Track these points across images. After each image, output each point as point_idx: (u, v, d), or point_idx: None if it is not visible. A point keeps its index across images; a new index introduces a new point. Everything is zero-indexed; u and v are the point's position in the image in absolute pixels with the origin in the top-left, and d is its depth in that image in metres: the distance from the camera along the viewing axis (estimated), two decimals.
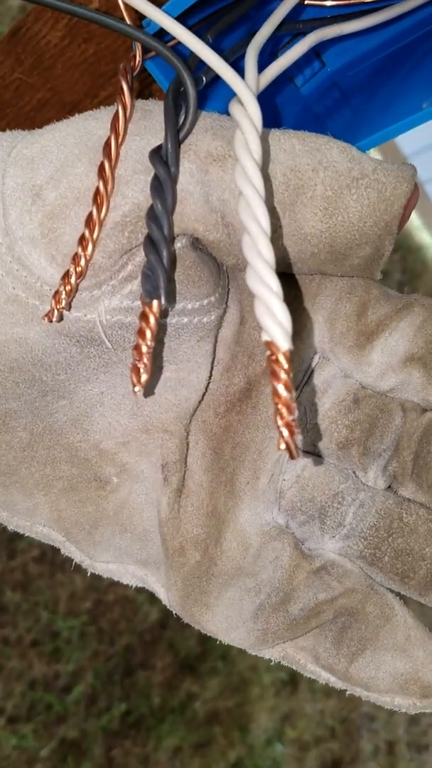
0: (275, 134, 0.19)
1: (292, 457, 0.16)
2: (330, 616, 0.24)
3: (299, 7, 0.23)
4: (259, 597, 0.24)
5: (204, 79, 0.20)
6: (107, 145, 0.18)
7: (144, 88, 0.28)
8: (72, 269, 0.18)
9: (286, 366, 0.16)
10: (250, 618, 0.24)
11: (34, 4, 0.22)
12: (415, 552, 0.24)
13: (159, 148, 0.18)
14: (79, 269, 0.18)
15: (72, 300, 0.19)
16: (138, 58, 0.21)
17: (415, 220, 1.51)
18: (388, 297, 0.24)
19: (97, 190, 0.18)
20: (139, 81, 0.27)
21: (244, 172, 0.17)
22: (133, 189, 0.18)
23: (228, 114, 0.19)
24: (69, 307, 0.19)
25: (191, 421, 0.24)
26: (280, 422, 0.16)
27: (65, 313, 0.20)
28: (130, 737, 1.18)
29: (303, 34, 0.23)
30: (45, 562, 1.18)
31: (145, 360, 0.18)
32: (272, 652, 0.25)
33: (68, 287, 0.18)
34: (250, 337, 0.24)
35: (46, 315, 0.19)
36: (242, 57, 0.20)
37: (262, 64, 0.21)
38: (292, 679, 1.29)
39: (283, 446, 0.16)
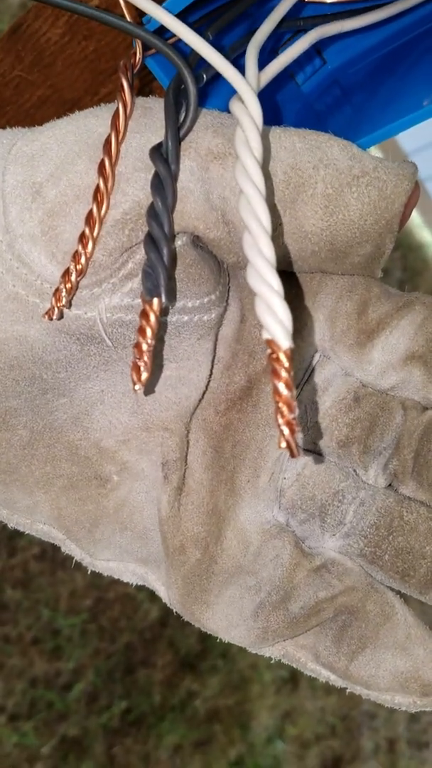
0: (276, 132, 0.19)
1: (292, 455, 0.16)
2: (330, 614, 0.24)
3: (300, 5, 0.23)
4: (260, 595, 0.24)
5: (204, 76, 0.20)
6: (107, 142, 0.18)
7: (144, 86, 0.28)
8: (72, 267, 0.18)
9: (286, 364, 0.15)
10: (251, 616, 0.24)
11: (34, 1, 0.21)
12: (416, 550, 0.24)
13: (159, 145, 0.18)
14: (79, 267, 0.18)
15: (72, 298, 0.19)
16: (138, 56, 0.21)
17: (415, 218, 1.51)
18: (388, 295, 0.24)
19: (98, 187, 0.18)
20: (139, 78, 0.27)
21: (244, 169, 0.17)
22: (134, 186, 0.18)
23: (228, 111, 0.19)
24: (69, 305, 0.19)
25: (192, 419, 0.24)
26: (280, 420, 0.15)
27: (65, 311, 0.19)
28: (130, 735, 1.18)
29: (304, 31, 0.23)
30: (46, 559, 1.18)
31: (145, 358, 0.18)
32: (272, 651, 0.25)
33: (68, 285, 0.18)
34: (250, 335, 0.24)
35: (46, 313, 0.19)
36: (243, 54, 0.20)
37: (263, 62, 0.20)
38: (293, 677, 1.29)
39: (283, 445, 0.16)
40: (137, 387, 0.18)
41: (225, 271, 0.22)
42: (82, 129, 0.19)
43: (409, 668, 0.24)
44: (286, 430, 0.15)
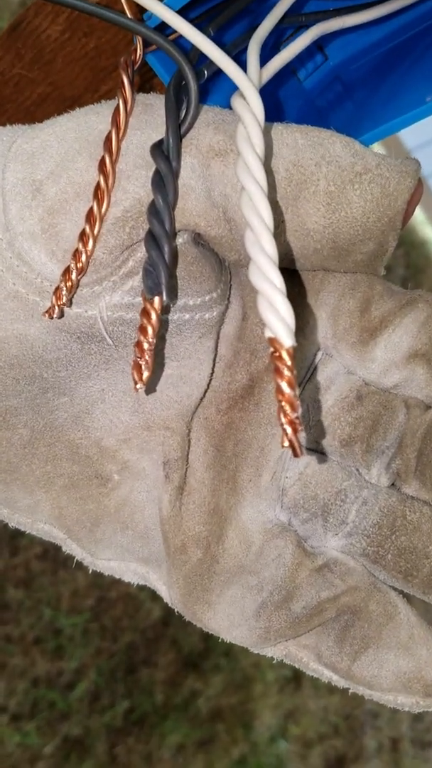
0: (278, 128, 0.19)
1: (295, 454, 0.15)
2: (333, 614, 0.24)
3: (301, 0, 0.23)
4: (262, 595, 0.24)
5: (206, 72, 0.20)
6: (108, 139, 0.18)
7: (145, 82, 0.28)
8: (73, 265, 0.18)
9: (289, 363, 0.15)
10: (253, 616, 0.24)
11: None
12: (419, 550, 0.24)
13: (160, 142, 0.18)
14: (79, 265, 0.18)
15: (73, 296, 0.19)
16: (139, 52, 0.21)
17: (418, 215, 1.51)
18: (391, 293, 0.24)
19: (98, 185, 0.18)
20: (140, 75, 0.27)
21: (246, 166, 0.17)
22: (134, 184, 0.18)
23: (230, 108, 0.19)
24: (70, 303, 0.19)
25: (193, 418, 0.24)
26: (283, 419, 0.15)
27: (66, 309, 0.19)
28: (133, 734, 1.18)
29: (305, 27, 0.23)
30: (47, 559, 1.18)
31: (146, 357, 0.18)
32: (274, 651, 0.25)
33: (69, 283, 0.18)
34: (252, 333, 0.24)
35: (46, 311, 0.19)
36: (244, 50, 0.20)
37: (264, 58, 0.20)
38: (296, 676, 1.29)
39: (286, 443, 0.15)
40: (138, 386, 0.18)
41: (226, 269, 0.22)
42: (83, 126, 0.19)
43: (412, 668, 0.24)
44: (288, 429, 0.15)
